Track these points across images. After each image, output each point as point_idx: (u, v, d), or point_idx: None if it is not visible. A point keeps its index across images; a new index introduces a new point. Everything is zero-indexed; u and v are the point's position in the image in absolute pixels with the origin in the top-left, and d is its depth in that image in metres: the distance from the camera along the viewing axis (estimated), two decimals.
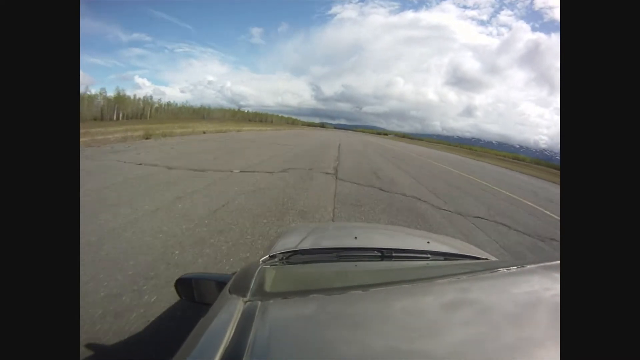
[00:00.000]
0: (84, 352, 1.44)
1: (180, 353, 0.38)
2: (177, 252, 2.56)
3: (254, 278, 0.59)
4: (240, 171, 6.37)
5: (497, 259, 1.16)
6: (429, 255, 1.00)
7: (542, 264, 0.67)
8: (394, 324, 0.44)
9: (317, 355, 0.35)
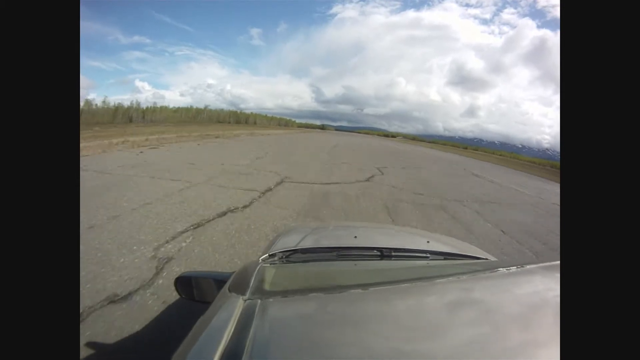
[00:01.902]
0: (84, 352, 1.44)
1: (180, 351, 0.38)
2: None
3: (254, 276, 0.59)
4: None
5: (496, 259, 1.16)
6: (428, 255, 1.00)
7: (542, 264, 0.67)
8: (394, 324, 0.44)
9: (316, 354, 0.35)
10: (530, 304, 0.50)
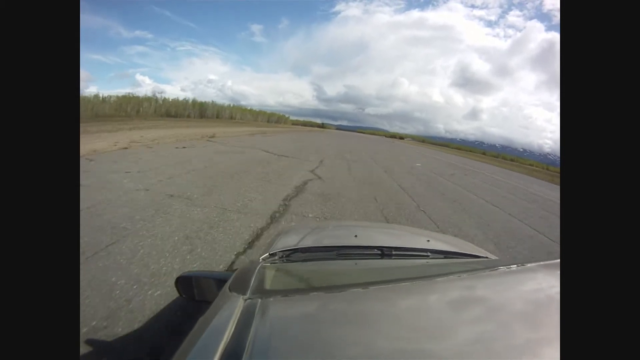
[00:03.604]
0: (84, 351, 1.44)
1: (180, 351, 0.38)
2: None
3: (254, 276, 0.59)
4: None
5: (496, 257, 1.16)
6: (429, 254, 1.00)
7: (542, 263, 0.67)
8: (396, 323, 0.44)
9: (317, 353, 0.35)
10: (531, 301, 0.50)
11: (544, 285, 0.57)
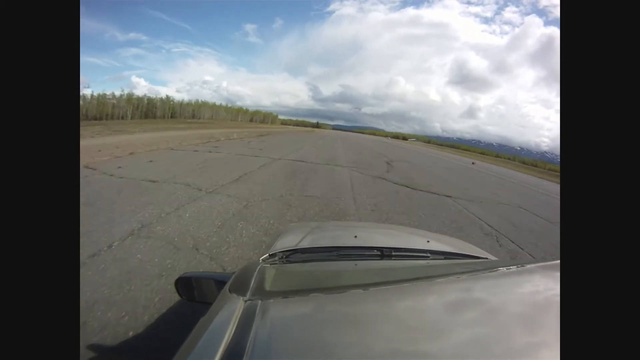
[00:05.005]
0: (84, 352, 1.43)
1: (181, 353, 0.38)
2: None
3: (254, 277, 0.59)
4: None
5: (496, 258, 1.16)
6: (428, 255, 1.00)
7: (542, 264, 0.67)
8: (395, 324, 0.44)
9: (317, 354, 0.35)
10: (530, 303, 0.50)
11: (543, 287, 0.57)
